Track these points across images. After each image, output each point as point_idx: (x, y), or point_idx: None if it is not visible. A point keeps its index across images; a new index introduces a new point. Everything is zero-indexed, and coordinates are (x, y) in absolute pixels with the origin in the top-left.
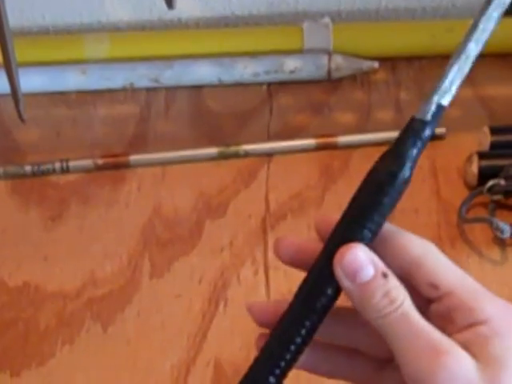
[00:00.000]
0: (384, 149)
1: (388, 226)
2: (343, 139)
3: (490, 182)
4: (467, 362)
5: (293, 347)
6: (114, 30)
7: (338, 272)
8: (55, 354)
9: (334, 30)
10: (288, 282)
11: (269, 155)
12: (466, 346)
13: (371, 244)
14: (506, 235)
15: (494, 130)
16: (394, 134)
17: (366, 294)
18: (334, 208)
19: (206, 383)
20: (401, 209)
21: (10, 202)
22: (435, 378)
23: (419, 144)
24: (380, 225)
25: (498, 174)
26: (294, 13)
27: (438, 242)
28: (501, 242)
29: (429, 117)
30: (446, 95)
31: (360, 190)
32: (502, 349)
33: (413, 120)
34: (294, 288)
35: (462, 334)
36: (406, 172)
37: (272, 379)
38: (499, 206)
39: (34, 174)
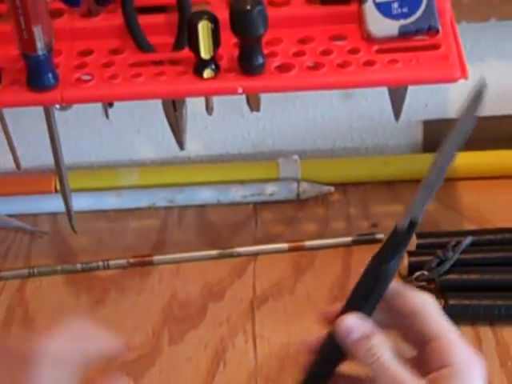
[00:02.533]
0: (339, 250)
1: (397, 284)
2: (309, 243)
3: (417, 273)
4: None
5: None
6: (141, 164)
7: (337, 333)
8: None
9: (301, 164)
10: (270, 347)
11: (255, 255)
12: None
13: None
14: None
15: (419, 235)
16: (346, 239)
17: (355, 349)
18: (303, 294)
19: None
20: None
21: (65, 291)
22: None
23: (402, 249)
24: (374, 307)
25: (422, 267)
26: (272, 152)
27: None
28: None
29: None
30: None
31: (360, 282)
32: None
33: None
34: (276, 351)
35: (433, 373)
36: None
37: None
38: (424, 289)
39: (83, 270)
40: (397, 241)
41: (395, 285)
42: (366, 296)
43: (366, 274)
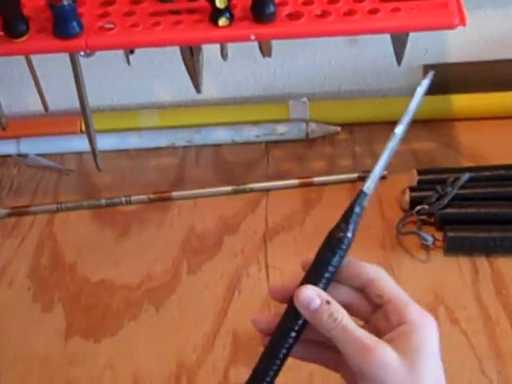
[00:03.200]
0: (345, 186)
1: (350, 259)
2: (317, 179)
3: (418, 207)
4: (391, 354)
5: (278, 361)
6: (161, 107)
7: (297, 306)
8: (123, 327)
9: (310, 106)
10: (282, 275)
11: (267, 191)
12: (393, 341)
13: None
14: (429, 243)
15: (420, 172)
16: (351, 176)
17: (317, 317)
18: (312, 227)
19: (226, 346)
20: (360, 224)
21: (91, 225)
22: (369, 368)
23: (360, 211)
24: (334, 272)
25: (423, 202)
26: (282, 94)
27: (383, 248)
28: (426, 248)
29: (369, 191)
30: (375, 180)
31: (319, 251)
32: (418, 341)
33: (360, 192)
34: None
35: (392, 332)
36: (349, 235)
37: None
38: (424, 223)
39: (107, 205)
40: (350, 212)
41: (351, 259)
42: (325, 264)
43: (324, 244)
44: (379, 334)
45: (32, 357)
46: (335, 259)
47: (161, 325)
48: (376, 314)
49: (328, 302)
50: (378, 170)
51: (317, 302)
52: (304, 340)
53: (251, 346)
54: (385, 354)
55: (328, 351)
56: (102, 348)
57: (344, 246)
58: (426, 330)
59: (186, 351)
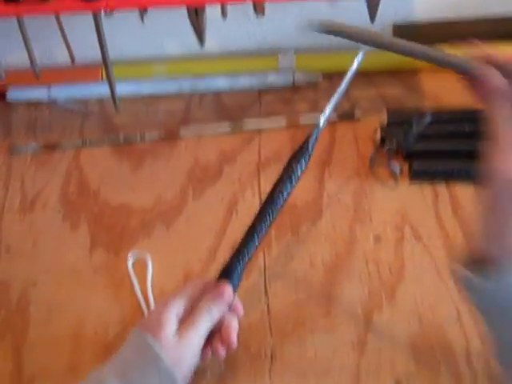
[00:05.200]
0: (326, 126)
1: None
2: (303, 120)
3: (387, 143)
4: None
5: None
6: (170, 59)
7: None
8: (139, 242)
9: (296, 58)
10: None
11: (259, 130)
12: None
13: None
14: (397, 171)
15: (389, 113)
16: (331, 117)
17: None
18: None
19: (226, 257)
20: (339, 158)
21: (111, 157)
22: None
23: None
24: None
25: (392, 139)
26: (273, 48)
27: (358, 177)
28: (394, 176)
29: (321, 124)
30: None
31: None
32: None
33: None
34: None
35: None
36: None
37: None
38: (393, 157)
39: (125, 141)
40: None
41: None
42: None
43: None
44: None
45: (63, 267)
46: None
47: (170, 240)
48: None
49: None
50: (329, 109)
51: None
52: None
53: None
54: None
55: None
56: (121, 260)
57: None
58: None
59: (192, 262)
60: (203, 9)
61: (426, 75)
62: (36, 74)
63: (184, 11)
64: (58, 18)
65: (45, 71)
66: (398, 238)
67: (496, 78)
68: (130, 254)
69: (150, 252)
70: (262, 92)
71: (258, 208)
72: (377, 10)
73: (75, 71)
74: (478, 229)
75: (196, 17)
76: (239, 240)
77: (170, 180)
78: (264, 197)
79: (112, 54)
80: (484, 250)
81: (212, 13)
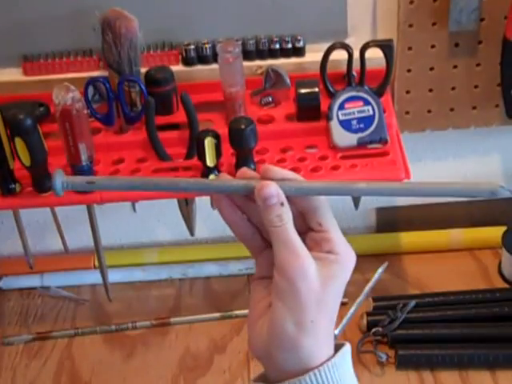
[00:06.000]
0: None
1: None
2: None
3: (373, 329)
4: (313, 267)
5: None
6: (160, 245)
7: (257, 197)
8: None
9: None
10: None
11: None
12: (319, 260)
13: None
14: (383, 359)
15: (375, 299)
16: None
17: (268, 211)
18: None
19: None
20: None
21: (103, 347)
22: (290, 268)
23: None
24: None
25: (377, 325)
26: None
27: None
28: (381, 363)
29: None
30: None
31: None
32: (338, 271)
33: None
34: None
35: (320, 253)
36: None
37: None
38: (379, 342)
39: (116, 330)
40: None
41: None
42: None
43: None
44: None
45: None
46: None
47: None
48: (309, 234)
49: (282, 204)
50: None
51: (274, 201)
52: (245, 215)
53: None
54: (309, 264)
55: (257, 236)
56: None
57: None
58: (347, 266)
59: None
60: (193, 199)
61: (409, 258)
62: (30, 265)
63: (174, 201)
64: (52, 209)
65: (38, 258)
66: None
67: (271, 186)
68: None
69: None
70: (251, 278)
71: None
72: (360, 197)
73: (68, 259)
74: None
75: (186, 206)
76: None
77: (161, 370)
78: None
79: (104, 241)
80: None
81: (202, 201)
